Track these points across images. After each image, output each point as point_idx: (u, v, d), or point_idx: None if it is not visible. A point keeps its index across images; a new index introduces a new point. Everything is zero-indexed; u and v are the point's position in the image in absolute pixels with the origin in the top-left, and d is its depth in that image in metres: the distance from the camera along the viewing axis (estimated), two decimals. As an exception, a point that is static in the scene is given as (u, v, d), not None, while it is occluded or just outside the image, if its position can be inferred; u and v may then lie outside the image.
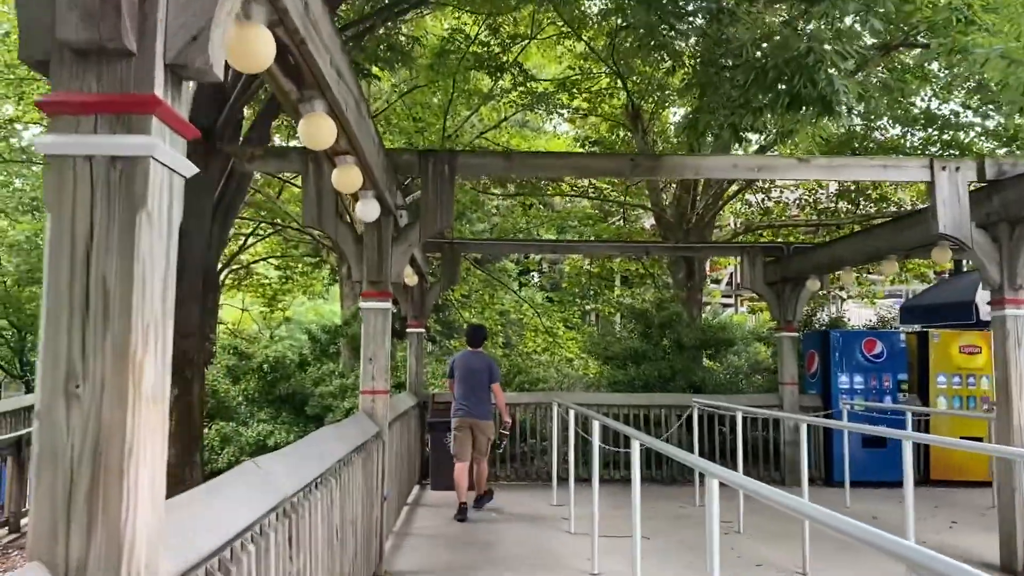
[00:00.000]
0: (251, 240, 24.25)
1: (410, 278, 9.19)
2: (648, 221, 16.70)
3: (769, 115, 5.09)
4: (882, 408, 9.86)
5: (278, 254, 25.03)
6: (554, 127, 18.99)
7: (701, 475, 9.36)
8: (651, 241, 12.34)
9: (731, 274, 19.27)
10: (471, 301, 19.23)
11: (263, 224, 23.05)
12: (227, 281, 25.36)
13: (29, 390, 21.00)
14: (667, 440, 8.54)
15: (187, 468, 7.22)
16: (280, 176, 17.83)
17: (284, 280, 25.49)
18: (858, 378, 10.26)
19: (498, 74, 11.60)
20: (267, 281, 25.87)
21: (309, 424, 10.88)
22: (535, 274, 21.97)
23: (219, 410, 10.69)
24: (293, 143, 12.05)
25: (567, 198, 17.78)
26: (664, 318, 11.26)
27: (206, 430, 10.06)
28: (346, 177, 4.31)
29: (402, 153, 6.10)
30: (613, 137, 14.64)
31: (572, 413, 7.42)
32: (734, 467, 7.92)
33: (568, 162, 6.02)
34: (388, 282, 5.93)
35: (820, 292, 10.89)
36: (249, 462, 3.24)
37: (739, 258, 9.99)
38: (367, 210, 5.24)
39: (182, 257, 6.32)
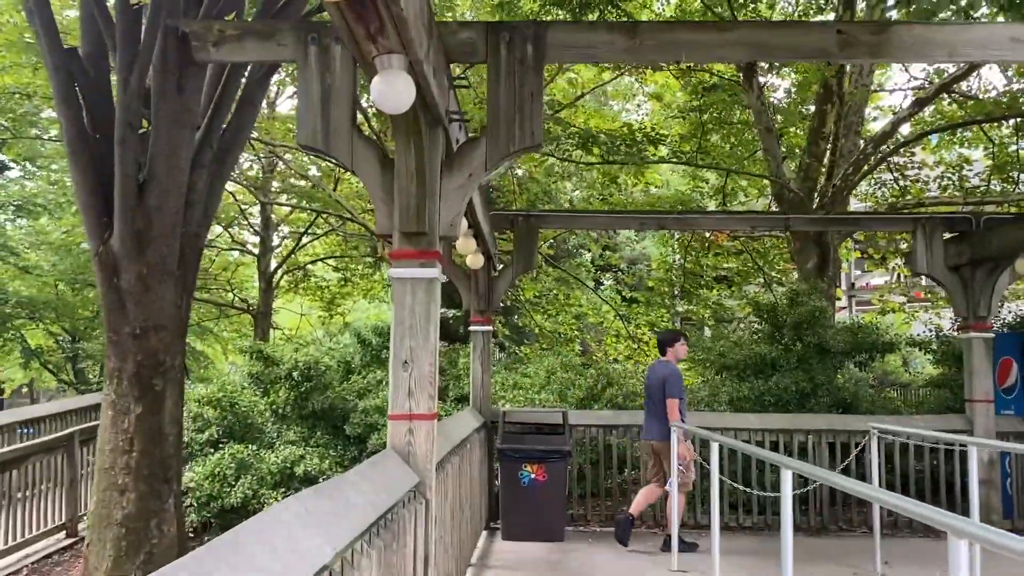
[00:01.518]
0: (306, 239, 22.36)
1: (473, 257, 6.80)
2: (759, 204, 13.99)
3: None
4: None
5: (336, 254, 23.07)
6: (637, 104, 16.41)
7: (891, 521, 6.75)
8: (790, 212, 9.56)
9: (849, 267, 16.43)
10: (544, 302, 16.78)
11: (319, 219, 21.11)
12: (282, 283, 23.55)
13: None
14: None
15: (154, 521, 4.93)
16: (333, 158, 15.78)
17: (343, 282, 23.48)
18: (1081, 395, 7.43)
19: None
20: (325, 284, 23.90)
21: (349, 447, 8.57)
22: (610, 277, 19.35)
23: (240, 429, 8.44)
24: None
25: (645, 181, 15.17)
26: (802, 316, 8.57)
27: (217, 454, 7.83)
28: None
29: (458, 29, 3.69)
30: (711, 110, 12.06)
31: (716, 447, 4.88)
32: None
33: (734, 36, 3.53)
34: (435, 235, 3.52)
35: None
36: None
37: (912, 233, 7.27)
38: (391, 91, 2.83)
39: (147, 217, 3.70)
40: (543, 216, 7.67)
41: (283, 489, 7.65)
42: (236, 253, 22.75)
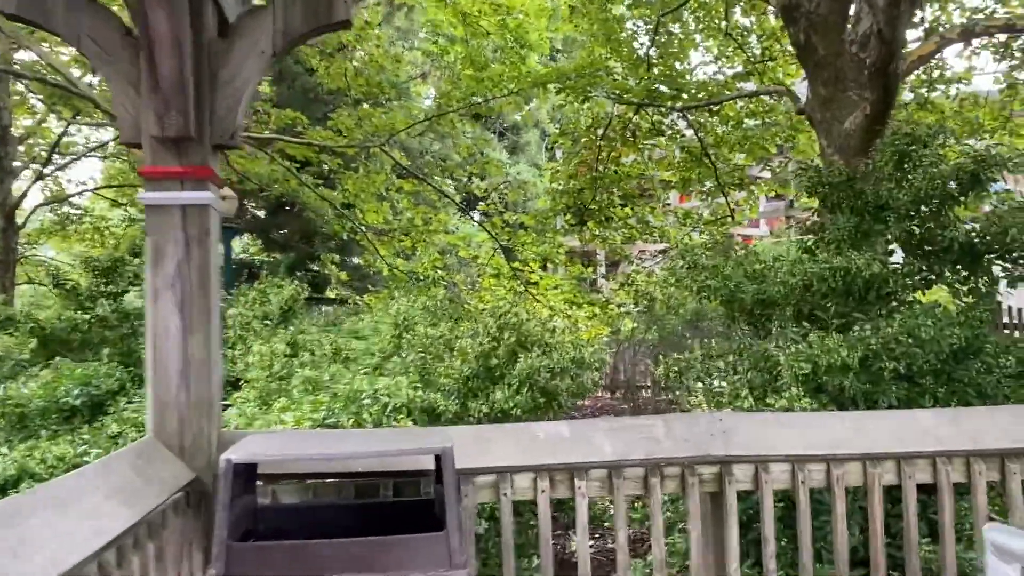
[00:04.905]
0: (68, 159, 15.95)
1: None
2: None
3: None
4: None
5: (117, 183, 16.69)
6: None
7: None
8: (813, 35, 4.95)
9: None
10: (396, 229, 11.51)
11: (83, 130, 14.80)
12: (45, 224, 16.98)
13: None
14: None
15: None
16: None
17: (129, 222, 17.10)
18: None
19: None
20: (105, 224, 17.40)
21: None
22: (485, 191, 14.19)
23: None
24: None
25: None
26: (937, 182, 3.85)
27: None
28: None
29: None
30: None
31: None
32: None
33: None
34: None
35: None
36: None
37: None
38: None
39: None
40: None
41: None
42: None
